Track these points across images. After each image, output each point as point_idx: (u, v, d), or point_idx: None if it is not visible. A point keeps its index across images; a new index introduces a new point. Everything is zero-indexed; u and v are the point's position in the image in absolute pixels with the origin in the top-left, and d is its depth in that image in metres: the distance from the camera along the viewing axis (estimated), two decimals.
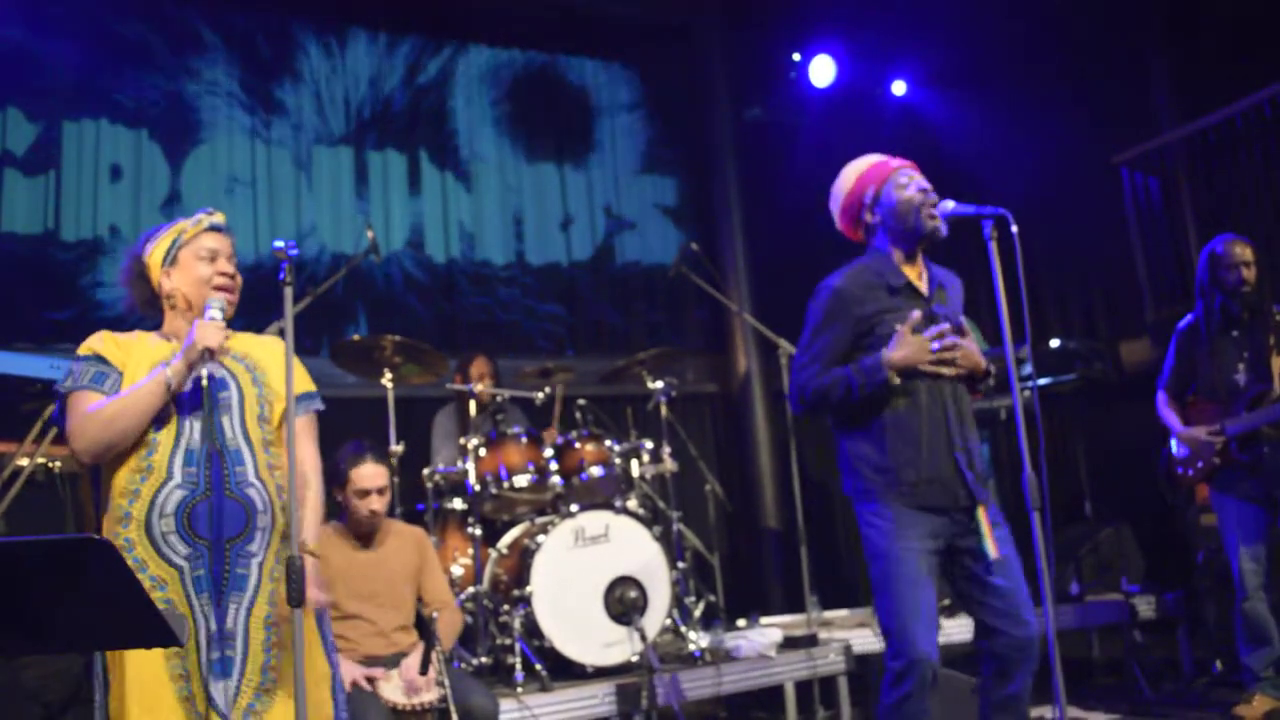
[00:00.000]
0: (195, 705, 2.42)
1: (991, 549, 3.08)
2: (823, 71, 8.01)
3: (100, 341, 2.62)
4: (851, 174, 3.29)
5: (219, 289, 2.66)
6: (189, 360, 2.51)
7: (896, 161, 3.24)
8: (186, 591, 2.45)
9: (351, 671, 3.51)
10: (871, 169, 3.25)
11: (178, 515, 2.47)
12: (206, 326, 2.54)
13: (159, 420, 2.52)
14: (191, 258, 2.67)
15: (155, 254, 2.69)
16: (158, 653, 2.39)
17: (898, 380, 3.05)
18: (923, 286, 3.22)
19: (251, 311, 6.34)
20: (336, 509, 3.87)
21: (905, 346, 3.06)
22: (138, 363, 2.57)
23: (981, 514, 3.11)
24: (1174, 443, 4.76)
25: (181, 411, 2.55)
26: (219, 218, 2.76)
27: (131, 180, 6.36)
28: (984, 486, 3.14)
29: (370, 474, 3.75)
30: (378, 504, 3.76)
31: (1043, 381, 6.47)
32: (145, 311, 2.76)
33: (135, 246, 2.75)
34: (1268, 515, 4.47)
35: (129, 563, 2.33)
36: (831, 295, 3.19)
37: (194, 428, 2.55)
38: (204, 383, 2.58)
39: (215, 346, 2.52)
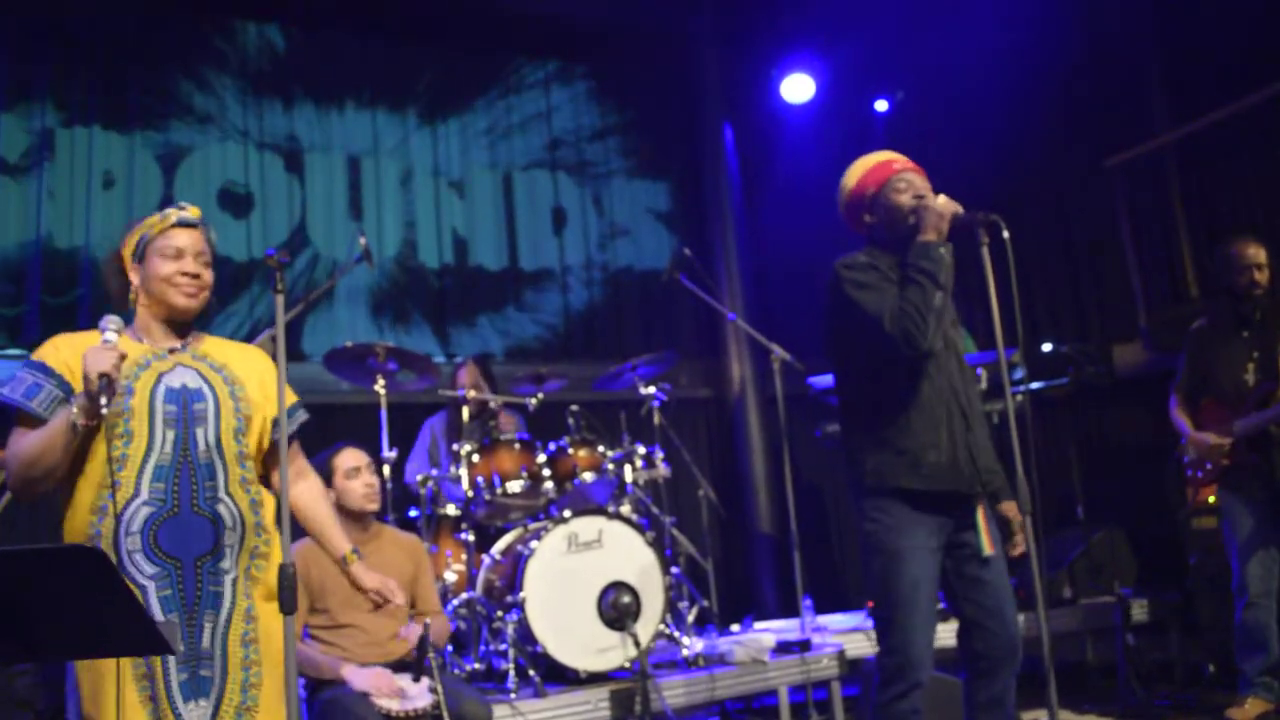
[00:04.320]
0: (159, 708, 2.37)
1: (986, 545, 3.12)
2: (803, 86, 7.96)
3: (51, 349, 2.53)
4: (855, 173, 3.31)
5: (178, 287, 2.58)
6: (87, 392, 2.34)
7: (899, 164, 3.25)
8: (148, 611, 2.36)
9: (368, 679, 3.49)
10: (872, 170, 3.27)
11: (144, 533, 2.41)
12: (97, 352, 2.35)
13: (127, 436, 2.45)
14: (156, 255, 2.59)
15: (128, 248, 2.63)
16: (126, 677, 2.33)
17: (943, 249, 3.07)
18: None
19: (250, 314, 6.44)
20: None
21: (930, 214, 3.09)
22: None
23: (980, 510, 3.15)
24: (1184, 444, 4.74)
25: (154, 424, 2.48)
26: (191, 213, 2.66)
27: (124, 187, 6.35)
28: (987, 480, 3.18)
29: (351, 454, 3.85)
30: (370, 478, 3.82)
31: (1035, 385, 6.48)
32: (123, 306, 2.67)
33: (113, 244, 2.71)
34: (1278, 517, 4.46)
35: None
36: (869, 266, 3.18)
37: (167, 440, 2.48)
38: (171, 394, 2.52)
39: (108, 370, 2.33)
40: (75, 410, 2.36)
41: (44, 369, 2.49)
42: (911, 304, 3.02)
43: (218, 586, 2.48)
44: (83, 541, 2.41)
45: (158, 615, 2.39)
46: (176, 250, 2.60)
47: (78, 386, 2.42)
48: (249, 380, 2.67)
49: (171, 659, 2.39)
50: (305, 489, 2.84)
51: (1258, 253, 4.52)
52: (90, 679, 2.39)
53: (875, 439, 3.16)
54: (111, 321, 2.47)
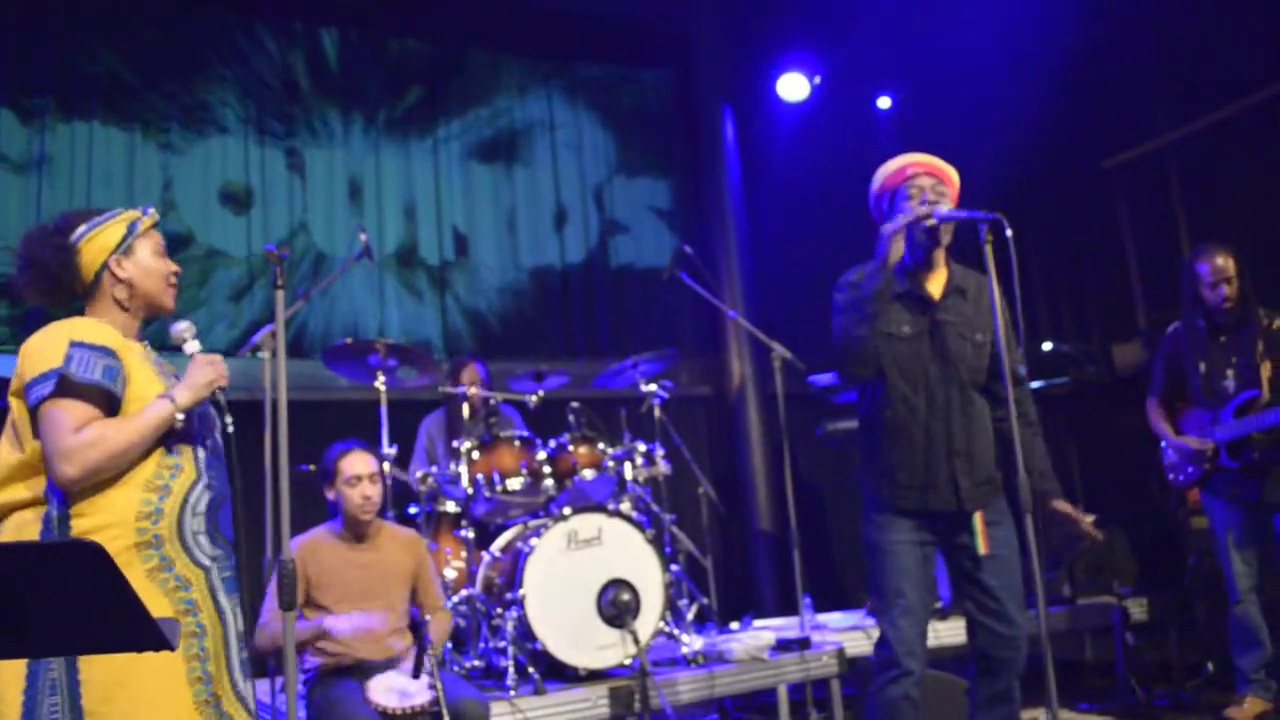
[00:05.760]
0: (221, 706, 2.35)
1: (981, 546, 3.21)
2: (803, 84, 7.93)
3: (97, 330, 2.42)
4: (878, 177, 3.41)
5: (174, 288, 2.59)
6: (199, 399, 2.43)
7: (913, 169, 3.32)
8: (213, 592, 2.40)
9: (351, 623, 3.54)
10: (890, 176, 3.36)
11: (207, 515, 2.42)
12: (215, 364, 2.47)
13: (175, 423, 2.42)
14: (148, 251, 2.55)
15: (102, 240, 2.50)
16: (176, 656, 2.28)
17: (881, 281, 3.17)
18: (934, 292, 3.30)
19: (250, 311, 6.44)
20: (329, 511, 3.87)
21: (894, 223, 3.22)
22: (130, 359, 2.44)
23: (977, 516, 3.22)
24: (1164, 449, 4.79)
25: (192, 418, 2.47)
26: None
27: (124, 183, 6.34)
28: (980, 495, 3.24)
29: (358, 461, 3.78)
30: (370, 490, 3.76)
31: (1035, 384, 6.48)
32: (53, 304, 2.57)
33: (48, 235, 2.54)
34: (1258, 518, 4.49)
35: (154, 560, 2.32)
36: (853, 285, 3.31)
37: (206, 432, 2.52)
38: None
39: (224, 384, 2.47)
40: (178, 410, 2.38)
41: (113, 354, 2.41)
42: (849, 331, 3.20)
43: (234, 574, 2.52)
44: (141, 519, 2.32)
45: (221, 596, 2.41)
46: (163, 248, 2.60)
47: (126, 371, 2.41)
48: None
49: (233, 640, 2.41)
50: None
51: (1226, 264, 4.53)
52: (113, 666, 2.23)
53: (866, 454, 3.35)
54: (189, 330, 2.56)
